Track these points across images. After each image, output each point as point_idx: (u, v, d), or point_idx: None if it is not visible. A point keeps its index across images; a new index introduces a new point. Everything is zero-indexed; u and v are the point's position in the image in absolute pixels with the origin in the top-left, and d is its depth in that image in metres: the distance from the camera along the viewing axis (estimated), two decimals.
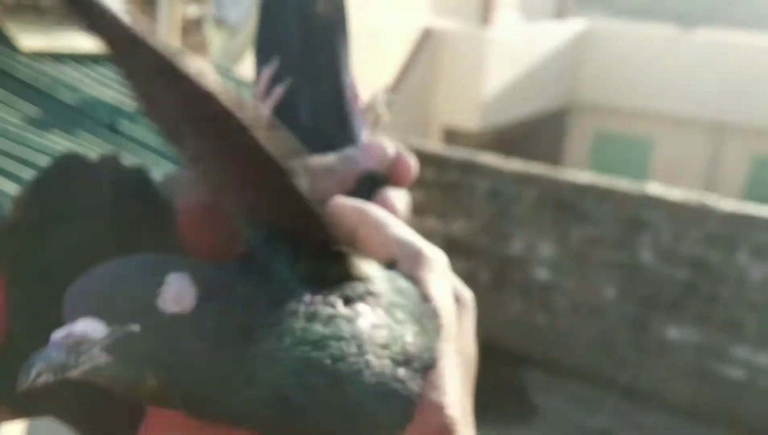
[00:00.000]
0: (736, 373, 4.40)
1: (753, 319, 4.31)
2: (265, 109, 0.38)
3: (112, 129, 2.73)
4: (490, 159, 5.12)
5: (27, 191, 0.34)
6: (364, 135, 0.39)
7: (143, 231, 0.33)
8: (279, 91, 0.38)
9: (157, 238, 0.33)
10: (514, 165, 4.99)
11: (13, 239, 0.34)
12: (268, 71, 0.39)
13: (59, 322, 0.24)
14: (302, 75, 0.39)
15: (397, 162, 0.37)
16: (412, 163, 0.37)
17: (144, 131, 2.76)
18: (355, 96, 0.40)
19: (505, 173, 4.93)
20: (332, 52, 0.39)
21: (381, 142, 0.37)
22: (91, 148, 2.54)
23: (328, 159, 0.36)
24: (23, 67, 3.10)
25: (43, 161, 2.22)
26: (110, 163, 0.35)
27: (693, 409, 4.51)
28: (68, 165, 0.34)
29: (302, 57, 0.39)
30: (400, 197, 0.36)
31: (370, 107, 0.41)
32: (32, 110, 2.76)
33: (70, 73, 3.22)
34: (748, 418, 4.39)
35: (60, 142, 2.52)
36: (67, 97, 2.94)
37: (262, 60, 0.39)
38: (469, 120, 10.01)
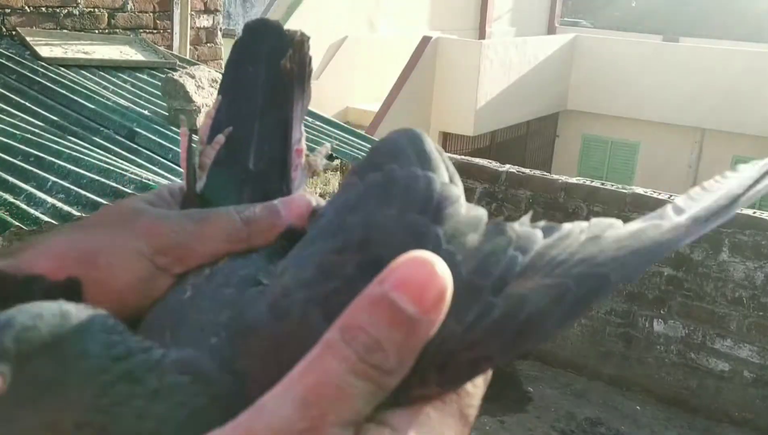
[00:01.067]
0: (719, 366, 4.39)
1: (735, 313, 4.30)
2: (210, 151, 0.39)
3: (129, 138, 2.70)
4: (484, 162, 5.11)
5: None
6: (299, 188, 0.40)
7: None
8: (221, 138, 0.39)
9: None
10: (508, 168, 4.98)
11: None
12: (211, 112, 0.40)
13: None
14: (257, 121, 0.40)
15: None
16: None
17: (158, 141, 2.73)
18: (300, 150, 0.41)
19: (499, 176, 4.92)
20: (289, 105, 0.40)
21: (305, 197, 0.37)
22: (107, 156, 2.50)
23: (252, 208, 0.36)
24: (43, 75, 3.08)
25: (60, 165, 2.17)
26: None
27: (678, 400, 4.50)
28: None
29: (261, 104, 0.40)
30: None
31: (311, 161, 0.42)
32: (51, 117, 2.73)
33: (88, 82, 3.18)
34: (730, 408, 4.37)
35: (77, 148, 2.47)
36: (85, 105, 2.91)
37: (223, 96, 0.40)
38: (465, 126, 10.03)
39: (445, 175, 0.33)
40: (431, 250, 0.26)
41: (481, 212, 0.32)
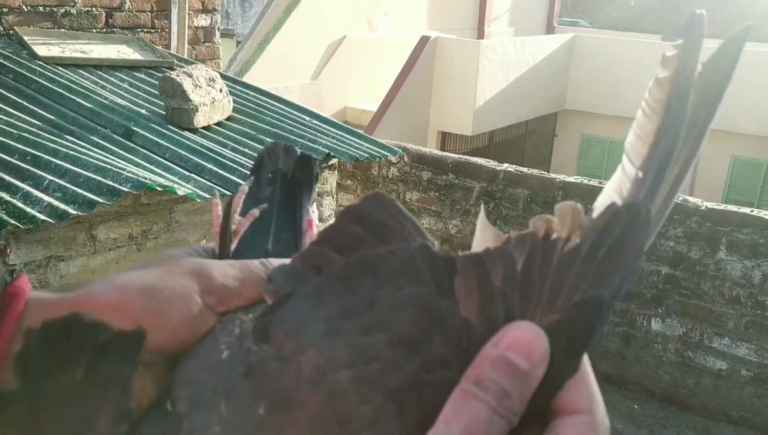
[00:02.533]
0: (717, 364, 4.39)
1: (732, 312, 4.30)
2: (245, 222, 0.47)
3: (126, 137, 2.70)
4: (482, 161, 5.11)
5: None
6: None
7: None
8: (255, 212, 0.48)
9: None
10: (506, 167, 4.98)
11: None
12: (245, 189, 0.49)
13: None
14: (275, 214, 0.50)
15: None
16: None
17: (156, 140, 2.74)
18: (311, 220, 0.50)
19: (497, 175, 4.92)
20: (299, 202, 0.50)
21: None
22: (104, 155, 2.51)
23: (284, 261, 0.41)
24: (41, 75, 3.09)
25: (57, 164, 2.18)
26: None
27: (675, 398, 4.50)
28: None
29: (279, 202, 0.50)
30: None
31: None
32: (48, 116, 2.73)
33: (86, 81, 3.19)
34: (728, 407, 4.38)
35: (74, 147, 2.47)
36: (82, 103, 2.91)
37: (250, 196, 0.50)
38: (464, 125, 10.03)
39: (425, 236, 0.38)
40: (446, 318, 0.32)
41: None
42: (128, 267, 0.41)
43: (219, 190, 2.57)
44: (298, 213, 0.50)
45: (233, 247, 0.46)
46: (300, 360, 0.32)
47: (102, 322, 0.35)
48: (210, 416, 0.33)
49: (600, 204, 0.37)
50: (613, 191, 0.39)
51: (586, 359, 0.34)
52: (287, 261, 0.39)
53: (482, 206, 0.41)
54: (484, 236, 0.37)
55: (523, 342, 0.31)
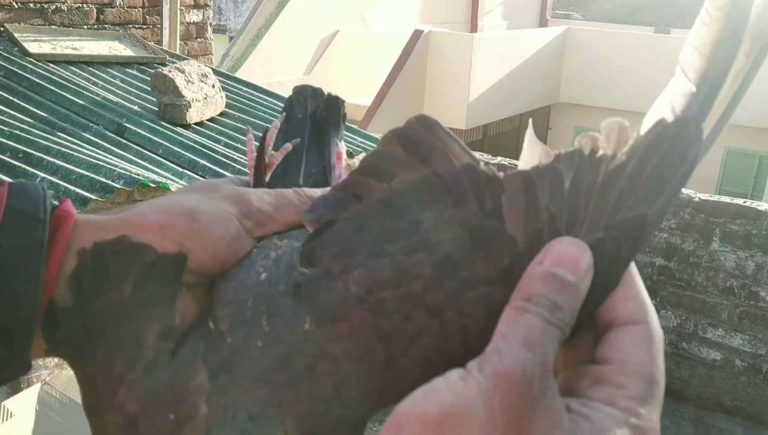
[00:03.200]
0: (711, 355, 4.41)
1: (726, 303, 4.31)
2: (278, 155, 0.49)
3: (119, 133, 2.69)
4: (476, 155, 5.11)
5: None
6: None
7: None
8: (288, 146, 0.49)
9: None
10: (500, 160, 4.98)
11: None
12: (277, 124, 0.51)
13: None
14: (305, 151, 0.51)
15: None
16: None
17: (148, 136, 2.73)
18: (340, 153, 0.52)
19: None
20: (328, 139, 0.51)
21: None
22: (96, 152, 2.49)
23: (315, 191, 0.44)
24: (32, 72, 3.07)
25: (49, 161, 2.17)
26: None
27: (670, 389, 4.52)
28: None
29: (308, 140, 0.51)
30: None
31: (351, 163, 0.51)
32: (40, 113, 2.72)
33: (77, 78, 3.17)
34: (722, 397, 4.40)
35: (66, 144, 2.46)
36: (74, 100, 2.90)
37: (281, 134, 0.52)
38: (458, 119, 10.02)
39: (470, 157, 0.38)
40: (490, 236, 0.33)
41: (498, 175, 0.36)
42: (171, 192, 0.42)
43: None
44: (326, 149, 0.51)
45: (266, 179, 0.48)
46: (346, 279, 0.33)
47: (147, 245, 0.37)
48: (252, 332, 0.34)
49: (650, 120, 0.36)
50: (665, 106, 0.37)
51: (634, 271, 0.35)
52: (320, 191, 0.43)
53: (530, 121, 0.41)
54: (532, 153, 0.37)
55: (567, 256, 0.31)
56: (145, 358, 0.34)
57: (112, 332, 0.35)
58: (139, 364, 0.34)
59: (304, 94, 0.54)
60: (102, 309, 0.36)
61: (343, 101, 0.54)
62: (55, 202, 0.39)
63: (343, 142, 0.53)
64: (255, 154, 0.49)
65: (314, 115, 0.53)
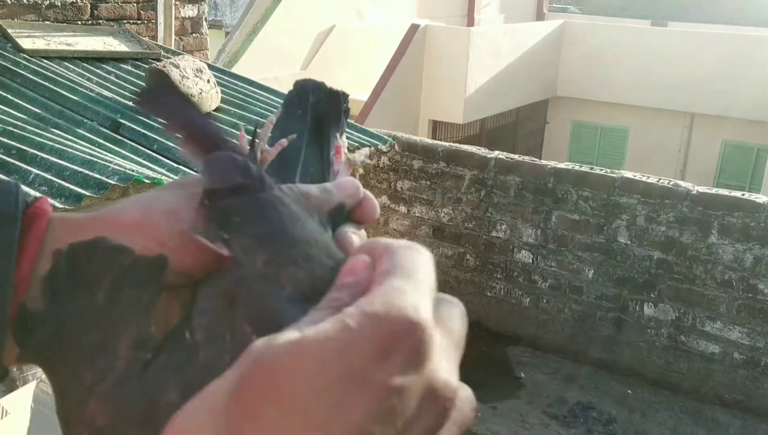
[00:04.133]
0: (710, 348, 4.41)
1: (724, 296, 4.31)
2: (272, 151, 0.47)
3: (113, 129, 2.67)
4: (473, 149, 5.10)
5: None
6: (341, 177, 0.47)
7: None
8: (284, 142, 0.47)
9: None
10: (497, 154, 4.97)
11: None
12: (273, 119, 0.49)
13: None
14: (303, 148, 0.49)
15: (364, 201, 0.41)
16: (376, 205, 0.42)
17: (143, 132, 2.71)
18: (339, 147, 0.49)
19: (488, 162, 4.91)
20: (328, 135, 0.49)
21: (354, 180, 0.43)
22: (91, 148, 2.48)
23: (310, 187, 0.41)
24: (25, 68, 3.05)
25: (43, 158, 2.15)
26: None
27: (668, 382, 4.52)
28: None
29: (308, 137, 0.49)
30: (359, 236, 0.40)
31: (350, 158, 0.50)
32: (34, 109, 2.70)
33: (72, 74, 3.15)
34: (720, 390, 4.40)
35: (60, 140, 2.44)
36: (68, 96, 2.88)
37: (279, 130, 0.49)
38: (455, 113, 10.01)
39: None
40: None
41: None
42: (155, 188, 0.40)
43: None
44: (326, 145, 0.49)
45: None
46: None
47: (125, 247, 0.35)
48: (225, 346, 0.32)
49: None
50: None
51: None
52: (315, 187, 0.41)
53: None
54: None
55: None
56: (116, 369, 0.33)
57: (84, 340, 0.33)
58: (111, 376, 0.33)
59: (305, 88, 0.52)
60: (74, 315, 0.34)
61: (347, 96, 0.52)
62: (29, 200, 0.37)
63: (344, 138, 0.51)
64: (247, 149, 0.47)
65: (315, 109, 0.50)
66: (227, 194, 0.36)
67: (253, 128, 0.47)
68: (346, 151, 0.49)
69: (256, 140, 0.46)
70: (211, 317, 0.34)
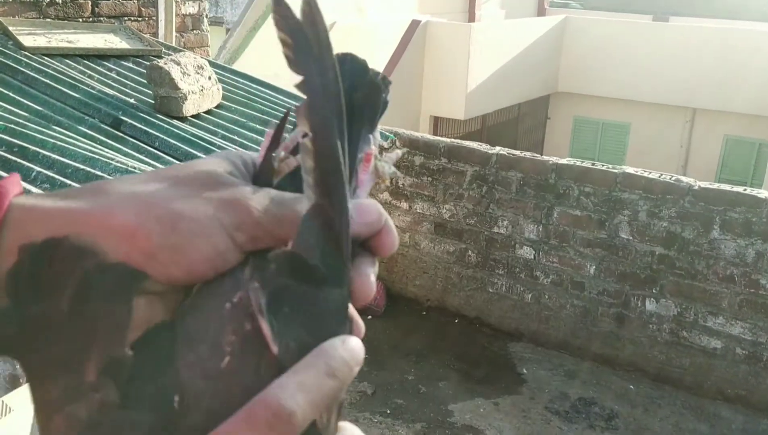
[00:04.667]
0: (712, 343, 4.41)
1: (726, 291, 4.31)
2: (292, 162, 0.39)
3: (115, 126, 2.68)
4: (474, 145, 5.09)
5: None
6: (366, 190, 0.40)
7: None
8: (295, 137, 0.39)
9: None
10: (499, 150, 4.97)
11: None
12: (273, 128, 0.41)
13: None
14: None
15: (383, 233, 0.37)
16: (396, 239, 0.38)
17: (144, 129, 2.71)
18: (369, 154, 0.41)
19: (490, 158, 4.91)
20: (357, 136, 0.40)
21: (376, 207, 0.37)
22: (93, 145, 2.48)
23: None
24: (27, 65, 3.05)
25: (45, 155, 2.14)
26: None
27: (670, 378, 4.52)
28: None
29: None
30: (374, 271, 0.37)
31: (379, 167, 0.42)
32: (35, 107, 2.70)
33: (73, 71, 3.15)
34: (723, 386, 4.40)
35: (62, 138, 2.44)
36: (69, 94, 2.88)
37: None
38: (456, 109, 10.00)
39: None
40: None
41: None
42: (151, 175, 0.35)
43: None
44: (353, 148, 0.40)
45: (276, 181, 0.39)
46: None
47: (91, 248, 0.31)
48: (208, 390, 0.30)
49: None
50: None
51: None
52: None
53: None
54: None
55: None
56: (84, 394, 0.29)
57: (47, 351, 0.30)
58: (78, 402, 0.29)
59: (342, 67, 0.40)
60: (38, 321, 0.30)
61: (389, 82, 0.43)
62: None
63: (378, 137, 0.42)
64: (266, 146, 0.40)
65: (350, 97, 0.40)
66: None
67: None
68: (377, 155, 0.41)
69: (273, 154, 0.39)
70: (196, 346, 0.31)
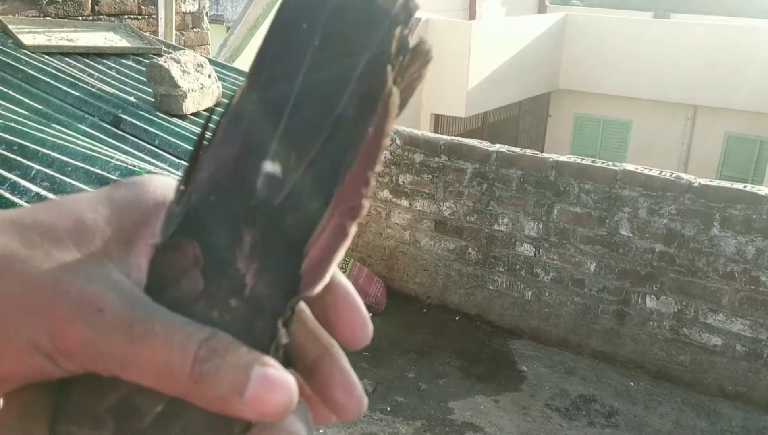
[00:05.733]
0: (712, 340, 4.41)
1: (727, 288, 4.31)
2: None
3: (114, 124, 2.69)
4: (474, 142, 5.09)
5: None
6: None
7: None
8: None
9: None
10: (499, 148, 4.96)
11: None
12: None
13: None
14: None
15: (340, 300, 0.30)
16: (369, 331, 0.30)
17: (144, 127, 2.72)
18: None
19: (490, 155, 4.91)
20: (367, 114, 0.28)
21: (291, 392, 0.25)
22: (92, 143, 2.48)
23: (220, 347, 0.28)
24: (27, 63, 3.06)
25: (45, 153, 2.15)
26: None
27: (671, 375, 4.53)
28: None
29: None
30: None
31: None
32: (35, 105, 2.71)
33: (73, 69, 3.17)
34: (723, 383, 4.40)
35: (62, 136, 2.45)
36: (69, 92, 2.89)
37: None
38: (457, 107, 10.00)
39: None
40: None
41: None
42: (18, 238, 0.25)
43: None
44: (361, 128, 0.28)
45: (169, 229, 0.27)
46: None
47: None
48: None
49: None
50: None
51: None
52: (243, 362, 0.25)
53: None
54: None
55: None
56: None
57: None
58: None
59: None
60: None
61: (431, 46, 0.29)
62: None
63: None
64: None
65: (382, 56, 0.27)
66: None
67: None
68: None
69: (150, 241, 0.27)
70: None
